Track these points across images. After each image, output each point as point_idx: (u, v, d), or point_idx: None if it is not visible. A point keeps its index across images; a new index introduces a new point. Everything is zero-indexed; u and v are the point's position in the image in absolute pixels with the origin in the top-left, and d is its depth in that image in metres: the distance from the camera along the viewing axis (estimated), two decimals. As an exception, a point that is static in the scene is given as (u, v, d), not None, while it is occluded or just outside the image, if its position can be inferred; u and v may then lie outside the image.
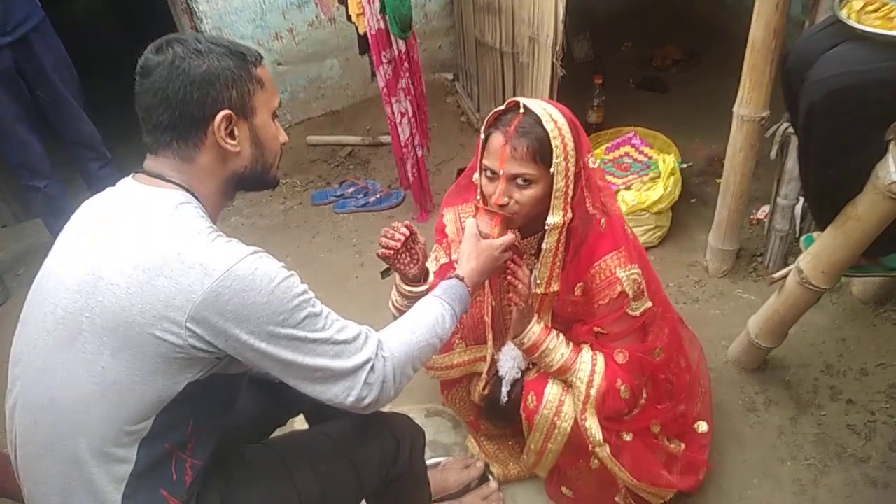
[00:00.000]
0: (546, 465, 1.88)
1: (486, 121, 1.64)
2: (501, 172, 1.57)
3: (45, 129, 2.99)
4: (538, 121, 1.57)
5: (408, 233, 1.63)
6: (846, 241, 1.68)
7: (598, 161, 3.00)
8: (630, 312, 1.70)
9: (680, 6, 4.84)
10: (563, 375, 1.73)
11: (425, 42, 4.10)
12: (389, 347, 1.32)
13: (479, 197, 1.67)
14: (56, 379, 1.19)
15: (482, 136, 1.64)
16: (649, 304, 1.72)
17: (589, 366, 1.71)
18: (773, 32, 2.09)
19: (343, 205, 3.49)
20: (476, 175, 1.69)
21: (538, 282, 1.74)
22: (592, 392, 1.68)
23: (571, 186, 1.62)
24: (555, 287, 1.75)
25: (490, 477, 2.11)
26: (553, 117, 1.57)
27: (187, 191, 1.25)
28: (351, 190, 3.55)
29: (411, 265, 1.68)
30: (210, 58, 1.22)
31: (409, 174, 3.17)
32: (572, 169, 1.59)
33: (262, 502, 1.38)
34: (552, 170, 1.56)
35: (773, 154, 2.43)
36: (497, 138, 1.57)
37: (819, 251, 1.79)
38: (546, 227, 1.64)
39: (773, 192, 2.57)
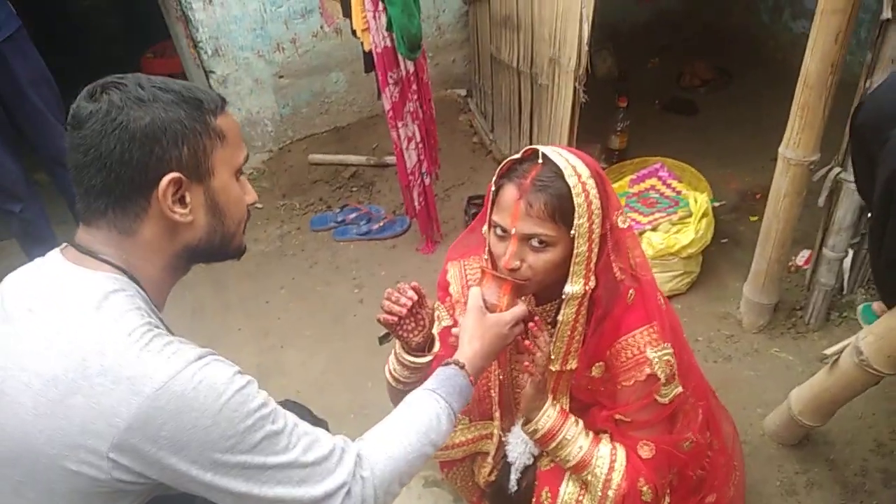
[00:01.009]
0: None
1: (498, 170, 1.39)
2: (514, 231, 1.32)
3: (22, 147, 2.76)
4: (559, 173, 1.31)
5: (415, 297, 1.39)
6: (922, 326, 1.42)
7: (623, 197, 2.77)
8: (659, 399, 1.43)
9: (712, 19, 4.56)
10: (580, 473, 1.47)
11: (437, 56, 3.85)
12: (371, 463, 1.09)
13: (485, 258, 1.42)
14: None
15: (493, 186, 1.39)
16: (680, 389, 1.46)
17: (607, 461, 1.44)
18: (831, 67, 1.83)
19: (344, 232, 3.25)
20: (485, 228, 1.45)
21: (553, 357, 1.48)
22: (610, 493, 1.42)
23: (595, 251, 1.36)
24: (572, 364, 1.49)
25: (493, 566, 1.86)
26: (577, 170, 1.31)
27: (124, 272, 1.03)
28: (353, 216, 3.30)
29: (415, 332, 1.44)
30: (154, 107, 1.00)
31: (416, 202, 2.93)
32: (597, 231, 1.34)
33: None
34: (573, 232, 1.31)
35: (821, 201, 2.16)
36: (510, 191, 1.32)
37: (885, 332, 1.53)
38: (564, 297, 1.38)
39: (819, 242, 2.30)
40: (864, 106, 1.38)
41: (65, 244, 1.07)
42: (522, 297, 1.41)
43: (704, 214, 2.53)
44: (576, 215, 1.30)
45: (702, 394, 1.63)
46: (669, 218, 2.63)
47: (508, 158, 1.40)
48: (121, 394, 0.90)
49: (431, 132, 2.86)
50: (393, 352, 1.55)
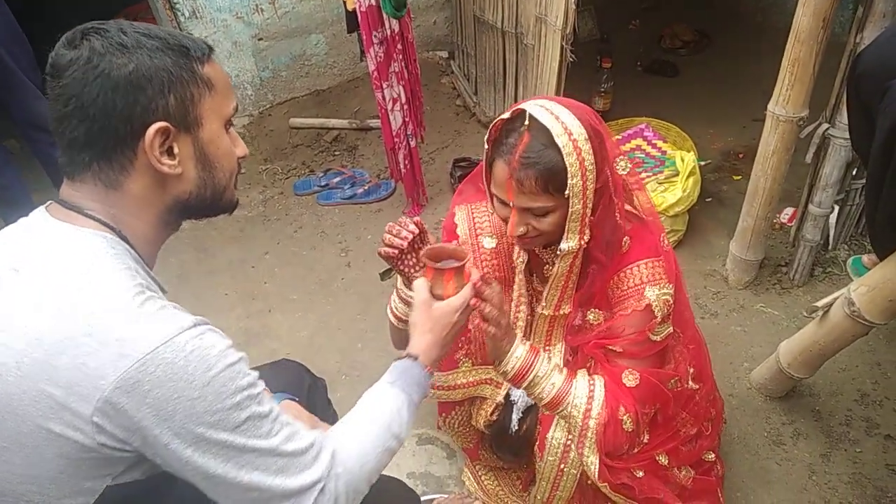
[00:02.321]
0: (553, 511, 1.66)
1: (488, 135, 1.38)
2: (513, 205, 1.34)
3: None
4: (549, 140, 1.29)
5: (416, 231, 1.40)
6: (914, 275, 1.45)
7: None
8: (652, 336, 1.45)
9: (691, -18, 4.55)
10: (557, 409, 1.47)
11: (419, 17, 3.79)
12: (343, 460, 1.07)
13: (425, 252, 1.35)
14: None
15: (486, 147, 1.39)
16: (671, 329, 1.49)
17: (585, 392, 1.45)
18: (823, 21, 1.83)
19: (328, 196, 3.21)
20: (487, 192, 1.45)
21: (545, 304, 1.52)
22: (591, 423, 1.44)
23: (590, 206, 1.36)
24: (565, 309, 1.53)
25: (488, 519, 1.89)
26: (567, 127, 1.30)
27: (112, 229, 0.99)
28: (336, 180, 3.26)
29: (416, 267, 1.45)
30: (139, 54, 0.95)
31: (402, 165, 2.90)
32: (591, 187, 1.33)
33: None
34: (567, 192, 1.31)
35: (808, 157, 2.18)
36: (500, 169, 1.34)
37: (878, 283, 1.55)
38: (559, 253, 1.40)
39: (805, 199, 2.33)
40: (863, 56, 1.38)
41: (50, 201, 1.03)
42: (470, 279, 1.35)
43: (691, 173, 2.55)
44: (568, 176, 1.30)
45: (692, 339, 1.65)
46: (656, 177, 2.65)
47: (497, 119, 1.38)
48: (108, 356, 0.87)
49: (416, 93, 2.83)
50: (395, 289, 1.57)
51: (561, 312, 1.53)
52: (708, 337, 2.07)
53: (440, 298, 1.32)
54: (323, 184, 3.27)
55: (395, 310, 1.59)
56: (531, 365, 1.45)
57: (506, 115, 1.37)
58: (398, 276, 1.50)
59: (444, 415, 1.84)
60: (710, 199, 2.90)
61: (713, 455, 1.73)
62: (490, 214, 1.60)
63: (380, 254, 1.41)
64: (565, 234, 1.37)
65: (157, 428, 0.89)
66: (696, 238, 2.73)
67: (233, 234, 3.08)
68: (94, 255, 0.94)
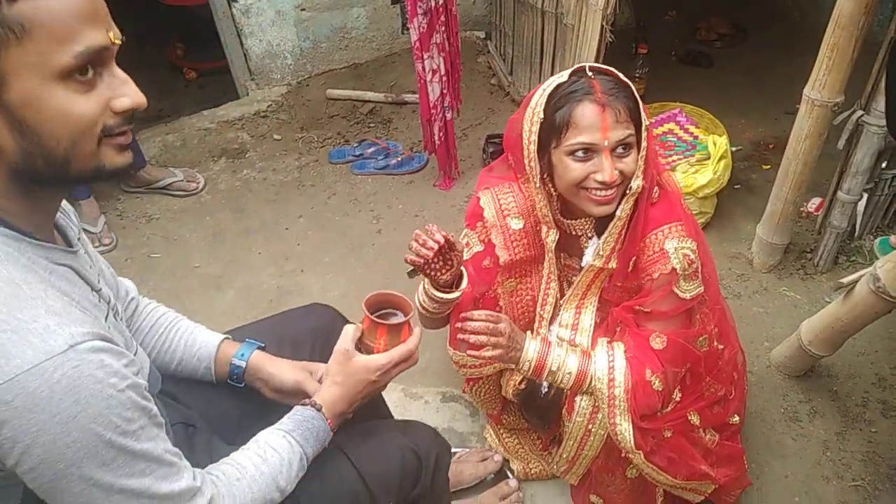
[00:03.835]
0: (578, 472, 1.72)
1: (546, 97, 1.42)
2: (606, 144, 1.37)
3: None
4: (615, 80, 1.40)
5: (442, 241, 1.42)
6: (941, 250, 1.49)
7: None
8: (678, 292, 1.50)
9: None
10: (582, 388, 1.54)
11: (458, -4, 3.84)
12: None
13: (367, 298, 1.33)
14: None
15: (540, 118, 1.42)
16: (702, 289, 1.54)
17: (605, 364, 1.52)
18: (865, 7, 1.86)
19: (362, 165, 3.28)
20: (533, 164, 1.47)
21: (601, 253, 1.55)
22: (617, 392, 1.50)
23: (646, 149, 1.44)
24: (613, 263, 1.57)
25: (509, 474, 1.95)
26: (620, 75, 1.41)
27: None
28: (371, 150, 3.33)
29: (443, 271, 1.50)
30: None
31: (436, 137, 2.96)
32: (648, 127, 1.43)
33: None
34: (644, 127, 1.40)
35: (841, 143, 2.21)
36: (589, 108, 1.36)
37: (904, 259, 1.60)
38: (628, 192, 1.45)
39: (834, 186, 2.37)
40: None
41: None
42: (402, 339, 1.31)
43: (723, 157, 2.59)
44: (642, 112, 1.39)
45: (716, 303, 1.70)
46: (687, 160, 2.69)
47: (554, 84, 1.43)
48: None
49: (456, 66, 2.88)
50: (422, 285, 1.62)
51: (609, 266, 1.57)
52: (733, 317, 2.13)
53: (369, 351, 1.27)
54: (357, 153, 3.34)
55: (422, 303, 1.64)
56: (546, 358, 1.53)
57: (561, 79, 1.43)
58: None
59: (471, 384, 1.88)
60: (738, 186, 2.94)
61: (738, 419, 1.78)
62: (515, 195, 1.63)
63: (406, 260, 1.44)
64: (636, 173, 1.42)
65: (11, 459, 0.82)
66: (724, 222, 2.77)
67: (268, 198, 3.16)
68: None
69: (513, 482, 1.92)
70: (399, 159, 3.27)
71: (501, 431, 2.03)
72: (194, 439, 1.26)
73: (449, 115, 2.94)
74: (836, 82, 2.03)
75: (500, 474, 1.96)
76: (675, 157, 2.73)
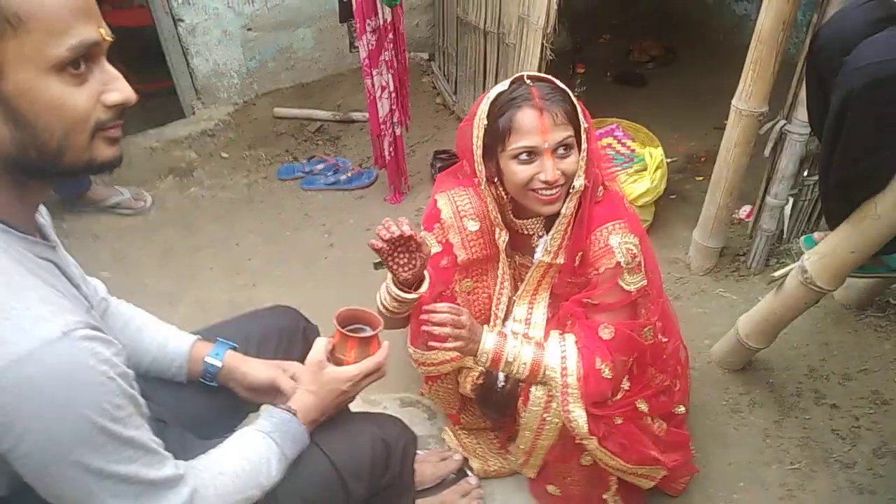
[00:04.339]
0: (535, 463, 1.79)
1: (489, 106, 1.53)
2: (546, 146, 1.47)
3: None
4: (552, 86, 1.51)
5: (408, 231, 1.49)
6: (861, 240, 1.63)
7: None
8: (623, 285, 1.61)
9: (659, 1, 4.81)
10: (536, 378, 1.62)
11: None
12: (204, 499, 1.07)
13: (338, 313, 1.40)
14: None
15: (485, 123, 1.53)
16: (645, 282, 1.65)
17: (557, 353, 1.61)
18: (783, 24, 2.02)
19: (311, 181, 3.32)
20: (480, 169, 1.58)
21: (548, 249, 1.65)
22: (570, 380, 1.58)
23: (587, 149, 1.55)
24: (561, 259, 1.66)
25: (468, 472, 2.00)
26: (558, 81, 1.53)
27: None
28: (320, 167, 3.38)
29: (405, 268, 1.56)
30: None
31: (387, 152, 3.03)
32: (587, 129, 1.55)
33: None
34: (583, 128, 1.52)
35: (767, 151, 2.38)
36: (528, 114, 1.47)
37: (828, 251, 1.73)
38: (570, 191, 1.55)
39: (762, 191, 2.53)
40: (821, 32, 1.55)
41: None
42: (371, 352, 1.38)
43: (659, 167, 2.73)
44: (580, 115, 1.50)
45: (659, 298, 1.81)
46: (626, 171, 2.82)
47: (496, 92, 1.53)
48: None
49: (404, 82, 2.97)
50: (384, 284, 1.68)
51: (557, 262, 1.66)
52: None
53: (339, 363, 1.33)
54: (307, 170, 3.38)
55: (383, 301, 1.70)
56: (502, 349, 1.60)
57: (503, 87, 1.53)
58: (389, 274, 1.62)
59: (430, 384, 1.94)
60: (674, 197, 3.10)
61: (683, 409, 1.88)
62: (471, 198, 1.71)
63: (370, 245, 1.52)
64: (577, 173, 1.52)
65: (5, 444, 0.85)
66: (661, 230, 2.91)
67: (217, 214, 3.17)
68: None
69: (473, 479, 1.97)
70: (349, 175, 3.32)
71: (460, 432, 2.08)
72: (165, 433, 1.27)
73: (398, 131, 3.01)
74: (761, 93, 2.18)
75: (460, 473, 2.01)
76: (614, 169, 2.86)
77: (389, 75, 2.84)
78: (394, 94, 2.89)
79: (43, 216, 1.12)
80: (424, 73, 4.05)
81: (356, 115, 3.64)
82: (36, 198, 0.99)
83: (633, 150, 2.98)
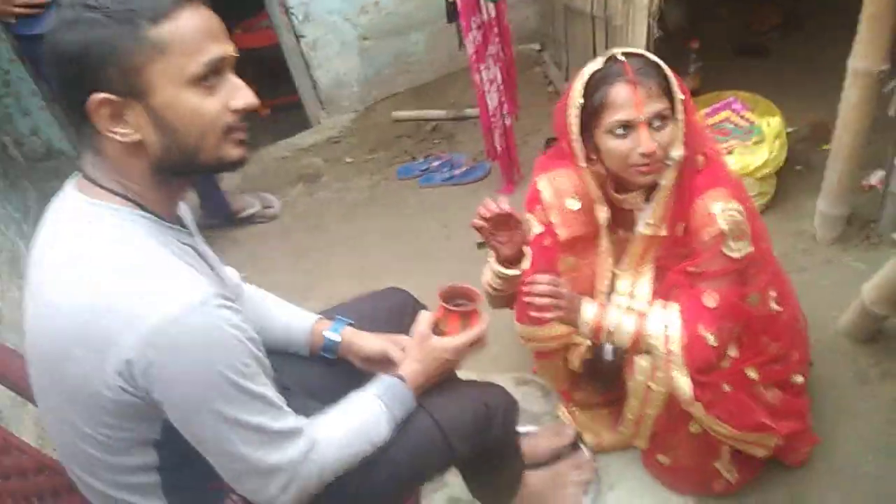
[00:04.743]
0: (644, 433, 1.81)
1: (583, 85, 1.57)
2: (642, 118, 1.50)
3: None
4: (645, 59, 1.54)
5: (507, 209, 1.57)
6: None
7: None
8: (727, 252, 1.59)
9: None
10: (640, 347, 1.65)
11: (511, 12, 4.00)
12: (321, 451, 1.21)
13: (441, 289, 1.50)
14: None
15: (580, 102, 1.56)
16: (752, 249, 1.62)
17: (660, 320, 1.62)
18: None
19: (429, 178, 3.47)
20: (577, 147, 1.62)
21: (650, 221, 1.66)
22: (673, 347, 1.60)
23: (684, 119, 1.57)
24: (663, 231, 1.67)
25: (582, 446, 2.05)
26: (649, 54, 1.56)
27: (125, 198, 1.08)
28: (436, 164, 3.52)
29: (507, 246, 1.65)
30: (82, 27, 0.97)
31: (497, 144, 3.12)
32: (681, 99, 1.56)
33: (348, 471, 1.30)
34: (678, 99, 1.54)
35: (892, 111, 2.24)
36: (622, 89, 1.51)
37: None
38: (669, 163, 1.57)
39: (892, 154, 2.39)
40: None
41: (77, 174, 1.11)
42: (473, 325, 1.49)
43: (777, 136, 2.64)
44: (673, 86, 1.52)
45: (770, 266, 1.77)
46: (744, 144, 2.74)
47: (590, 70, 1.57)
48: (122, 327, 0.98)
49: (511, 75, 3.04)
50: (488, 266, 1.77)
51: (660, 233, 1.67)
52: (796, 290, 2.18)
53: (443, 335, 1.44)
54: (424, 168, 3.54)
55: (489, 282, 1.79)
56: (603, 319, 1.64)
57: (596, 65, 1.57)
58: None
59: (540, 360, 2.01)
60: (799, 168, 2.97)
61: (802, 378, 1.83)
62: (570, 177, 1.75)
63: (472, 224, 1.61)
64: (674, 144, 1.55)
65: (157, 393, 1.02)
66: (786, 202, 2.81)
67: (343, 215, 3.39)
68: (109, 229, 1.05)
69: (587, 453, 2.01)
70: (463, 169, 3.44)
71: (574, 409, 2.13)
72: (290, 399, 1.43)
73: (508, 122, 3.09)
74: (879, 50, 2.08)
75: (575, 448, 2.05)
76: (732, 142, 2.79)
77: (497, 69, 2.93)
78: (502, 87, 2.98)
79: (183, 211, 1.31)
80: (535, 63, 4.10)
81: (469, 112, 3.76)
82: (178, 193, 1.18)
83: (751, 122, 2.89)
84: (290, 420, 1.17)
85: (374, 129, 3.92)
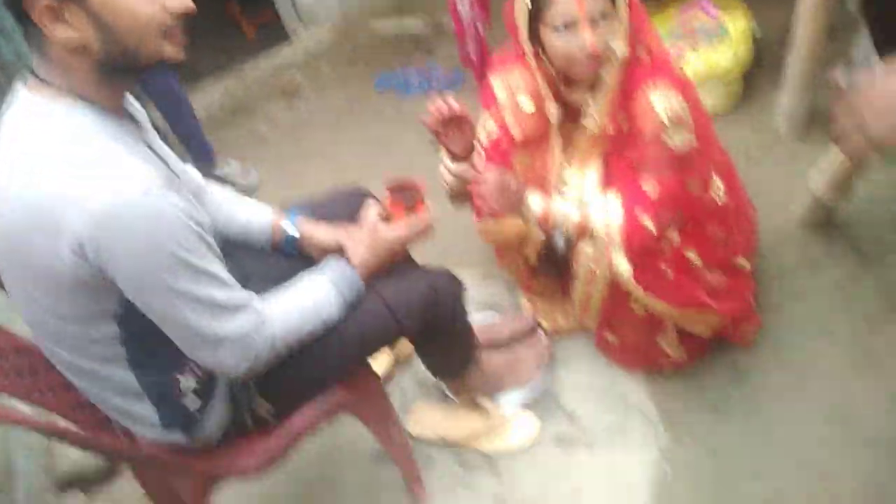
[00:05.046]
0: (592, 313, 1.92)
1: None
2: (582, 15, 1.52)
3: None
4: None
5: (456, 107, 1.66)
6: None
7: (665, 26, 2.90)
8: (667, 141, 1.64)
9: None
10: (584, 234, 1.74)
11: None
12: (272, 324, 1.32)
13: (388, 182, 1.63)
14: None
15: (527, 4, 1.59)
16: (693, 139, 1.66)
17: (602, 208, 1.71)
18: None
19: (406, 89, 3.51)
20: (526, 45, 1.65)
21: (595, 117, 1.70)
22: (612, 233, 1.69)
23: (627, 17, 1.59)
24: (608, 128, 1.72)
25: (540, 331, 2.16)
26: None
27: (73, 94, 1.15)
28: (414, 74, 3.55)
29: (457, 142, 1.74)
30: None
31: (472, 53, 3.13)
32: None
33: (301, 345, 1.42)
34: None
35: (850, 5, 2.26)
36: None
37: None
38: (611, 60, 1.60)
39: (853, 49, 2.41)
40: None
41: (27, 75, 1.18)
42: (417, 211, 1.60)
43: (744, 39, 2.65)
44: None
45: (718, 154, 1.84)
46: (712, 44, 2.75)
47: None
48: (74, 212, 1.07)
49: (482, -20, 3.03)
50: (442, 164, 1.86)
51: (607, 131, 1.72)
52: (755, 182, 2.25)
53: (390, 221, 1.56)
54: (401, 78, 3.56)
55: (444, 178, 1.88)
56: (549, 207, 1.73)
57: None
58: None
59: (500, 255, 2.13)
60: (771, 68, 2.98)
61: (748, 264, 1.92)
62: (523, 75, 1.78)
63: (422, 121, 1.69)
64: (617, 42, 1.58)
65: (109, 270, 1.12)
66: (754, 101, 2.84)
67: (323, 126, 3.44)
68: (60, 125, 1.13)
69: (542, 336, 2.14)
70: (440, 79, 3.47)
71: (534, 298, 2.24)
72: (248, 285, 1.54)
73: (482, 31, 3.10)
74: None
75: (533, 333, 2.17)
76: (697, 39, 2.80)
77: (468, -25, 2.92)
78: (472, -7, 2.97)
79: (137, 108, 1.39)
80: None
81: (447, 21, 3.74)
82: (122, 88, 1.24)
83: (722, 22, 2.89)
84: (240, 295, 1.27)
85: (352, 41, 3.91)
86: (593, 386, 2.06)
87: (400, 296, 1.54)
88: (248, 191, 3.11)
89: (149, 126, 1.41)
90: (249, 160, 3.30)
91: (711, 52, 2.68)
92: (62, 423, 1.46)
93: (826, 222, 2.25)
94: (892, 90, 1.00)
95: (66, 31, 1.08)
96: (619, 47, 1.59)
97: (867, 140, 1.03)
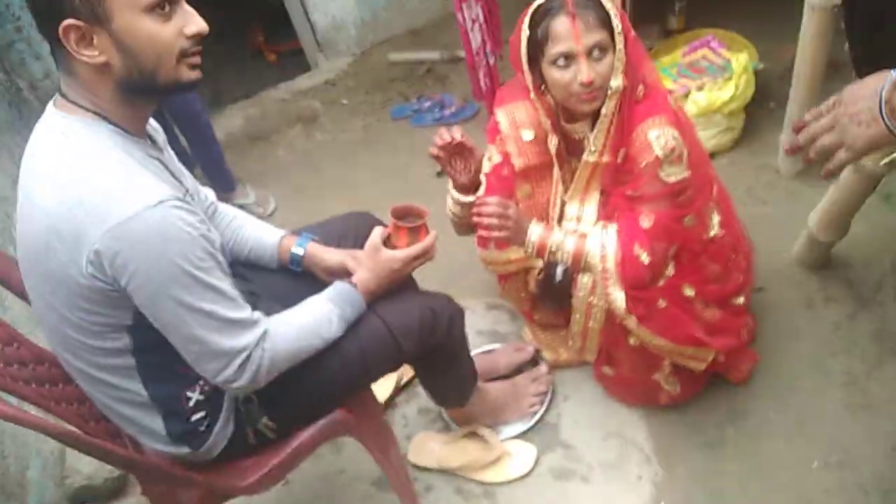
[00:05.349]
0: (591, 346, 1.97)
1: (528, 19, 1.66)
2: (580, 49, 1.59)
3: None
4: None
5: (459, 137, 1.71)
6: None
7: (674, 67, 2.98)
8: (662, 176, 1.70)
9: None
10: (580, 265, 1.79)
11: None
12: (273, 340, 1.38)
13: (392, 208, 1.69)
14: None
15: (527, 34, 1.66)
16: (686, 174, 1.72)
17: (598, 242, 1.76)
18: None
19: (420, 119, 3.60)
20: (528, 78, 1.72)
21: (593, 149, 1.76)
22: (608, 265, 1.74)
23: (624, 50, 1.65)
24: (606, 157, 1.77)
25: (541, 362, 2.21)
26: None
27: (96, 114, 1.24)
28: (427, 104, 3.64)
29: (462, 174, 1.80)
30: None
31: (482, 83, 3.22)
32: (622, 31, 1.64)
33: (304, 364, 1.48)
34: (616, 30, 1.61)
35: (847, 46, 2.31)
36: (561, 21, 1.60)
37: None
38: (608, 92, 1.67)
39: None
40: None
41: (56, 95, 1.27)
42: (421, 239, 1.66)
43: (744, 71, 2.72)
44: (613, 18, 1.60)
45: (708, 189, 1.89)
46: (715, 80, 2.82)
47: (536, 4, 1.66)
48: (92, 223, 1.15)
49: (493, 13, 3.10)
50: (449, 195, 1.94)
51: (603, 160, 1.78)
52: (756, 221, 2.29)
53: (393, 248, 1.61)
54: (416, 109, 3.66)
55: (450, 209, 1.96)
56: (546, 239, 1.78)
57: (539, 1, 1.68)
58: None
59: (502, 283, 2.18)
60: (773, 105, 3.03)
61: (743, 300, 1.96)
62: (527, 109, 1.86)
63: (430, 153, 1.76)
64: (613, 74, 1.64)
65: (123, 280, 1.19)
66: (754, 138, 2.89)
67: (339, 155, 3.53)
68: (81, 140, 1.22)
69: (544, 367, 2.18)
70: (453, 109, 3.56)
71: (536, 329, 2.29)
72: (257, 304, 1.61)
73: (492, 61, 3.19)
74: (833, -15, 2.14)
75: (535, 364, 2.22)
76: (705, 80, 2.87)
77: (479, 7, 3.01)
78: (484, 26, 3.06)
79: (157, 131, 1.49)
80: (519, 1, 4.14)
81: (460, 53, 3.84)
82: (144, 110, 1.33)
83: (727, 60, 2.96)
84: (245, 311, 1.34)
85: (370, 71, 4.02)
86: (592, 419, 2.10)
87: (399, 317, 1.61)
88: (264, 218, 3.16)
89: (166, 146, 1.51)
90: (266, 185, 3.39)
91: (716, 89, 2.74)
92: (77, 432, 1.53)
93: (825, 263, 2.29)
94: (863, 94, 1.07)
95: (90, 52, 1.17)
96: (616, 80, 1.65)
97: (848, 150, 1.10)
